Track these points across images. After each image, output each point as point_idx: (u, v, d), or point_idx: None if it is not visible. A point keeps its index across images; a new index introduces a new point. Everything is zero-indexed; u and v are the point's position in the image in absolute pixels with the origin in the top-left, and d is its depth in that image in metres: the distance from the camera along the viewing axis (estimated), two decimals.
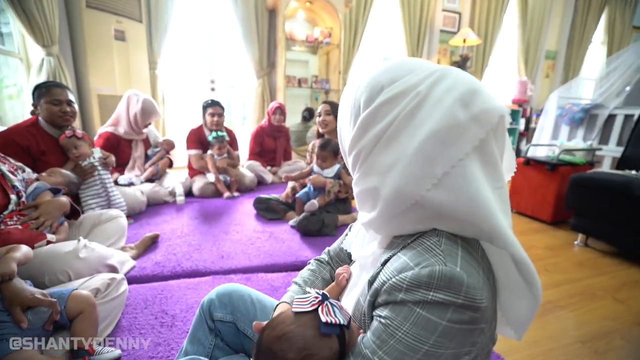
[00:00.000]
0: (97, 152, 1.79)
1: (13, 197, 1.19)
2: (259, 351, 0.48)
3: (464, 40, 4.27)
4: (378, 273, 0.47)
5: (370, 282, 0.48)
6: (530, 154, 2.65)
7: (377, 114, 0.44)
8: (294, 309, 0.48)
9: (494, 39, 4.80)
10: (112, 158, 1.91)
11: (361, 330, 0.50)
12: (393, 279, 0.42)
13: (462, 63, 4.32)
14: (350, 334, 0.48)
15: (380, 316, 0.43)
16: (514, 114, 5.00)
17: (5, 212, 1.14)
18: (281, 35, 3.58)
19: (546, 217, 2.37)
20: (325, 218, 1.90)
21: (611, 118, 2.78)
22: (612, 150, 2.74)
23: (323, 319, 0.45)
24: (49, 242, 1.18)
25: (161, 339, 1.03)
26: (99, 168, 1.78)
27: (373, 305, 0.47)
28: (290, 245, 1.75)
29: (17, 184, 1.24)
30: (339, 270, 0.66)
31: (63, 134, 1.68)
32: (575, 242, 2.06)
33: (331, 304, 0.48)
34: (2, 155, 1.29)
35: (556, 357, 1.09)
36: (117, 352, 0.95)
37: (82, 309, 0.92)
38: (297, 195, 2.10)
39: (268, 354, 0.46)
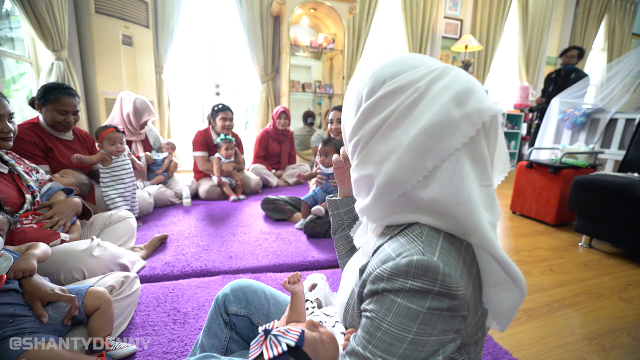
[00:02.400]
0: (127, 151, 1.89)
1: (28, 196, 1.21)
2: None
3: (466, 47, 4.32)
4: (367, 263, 0.50)
5: (361, 271, 0.51)
6: (532, 158, 2.67)
7: (378, 105, 0.46)
8: (249, 358, 0.51)
9: (495, 45, 4.86)
10: (136, 160, 2.01)
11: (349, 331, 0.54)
12: (377, 270, 0.45)
13: (464, 69, 4.36)
14: (310, 343, 0.51)
15: (366, 310, 0.46)
16: (516, 119, 5.03)
17: (21, 212, 1.16)
18: (286, 41, 3.63)
19: (550, 219, 2.39)
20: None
21: (612, 122, 2.81)
22: (614, 153, 2.76)
23: (266, 357, 0.48)
24: (62, 241, 1.20)
25: (174, 336, 1.05)
26: (128, 167, 1.86)
27: (361, 297, 0.49)
28: (297, 246, 1.77)
29: (32, 184, 1.26)
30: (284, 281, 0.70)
31: (104, 130, 1.78)
32: (580, 244, 2.08)
33: (274, 335, 0.51)
34: (18, 156, 1.32)
35: (564, 354, 1.10)
36: (132, 347, 0.96)
37: (98, 305, 0.94)
38: (303, 198, 2.12)
39: None
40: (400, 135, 0.44)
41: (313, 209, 1.97)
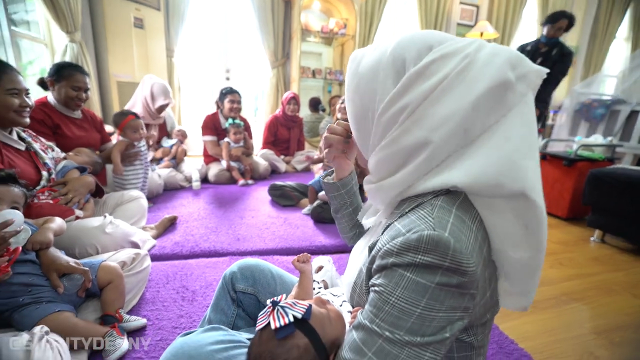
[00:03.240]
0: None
1: (45, 173, 1.24)
2: None
3: (481, 34, 4.19)
4: (377, 240, 0.50)
5: (370, 249, 0.51)
6: (548, 150, 2.61)
7: (426, 71, 0.45)
8: (257, 327, 0.52)
9: (512, 33, 4.70)
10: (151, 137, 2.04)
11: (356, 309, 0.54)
12: (387, 245, 0.45)
13: None
14: (317, 317, 0.51)
15: (374, 285, 0.46)
16: None
17: (38, 188, 1.19)
18: (297, 26, 3.58)
19: (562, 212, 2.35)
20: None
21: (634, 114, 2.71)
22: (633, 147, 2.68)
23: (273, 326, 0.49)
24: (77, 218, 1.23)
25: (183, 312, 1.07)
26: (144, 150, 1.89)
27: (370, 273, 0.49)
28: (304, 230, 1.78)
29: (47, 161, 1.29)
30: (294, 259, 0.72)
31: (127, 116, 1.81)
32: (592, 238, 2.04)
33: (281, 307, 0.51)
34: (34, 134, 1.35)
35: (571, 346, 1.09)
36: (143, 320, 0.99)
37: (110, 279, 0.96)
38: (309, 183, 2.12)
39: None
40: (460, 98, 0.43)
41: (320, 194, 1.97)
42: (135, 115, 1.85)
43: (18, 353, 0.62)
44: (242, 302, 0.80)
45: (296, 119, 3.33)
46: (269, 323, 0.50)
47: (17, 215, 0.78)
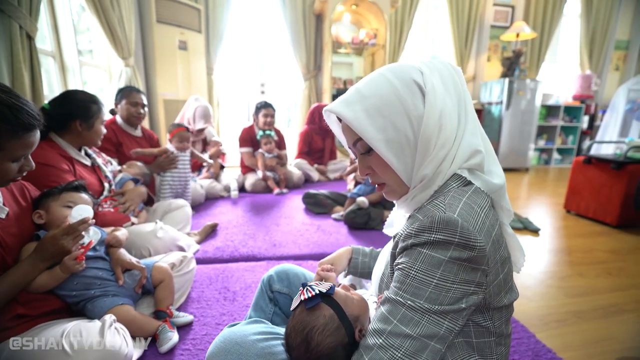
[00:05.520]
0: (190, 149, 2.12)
1: (106, 185, 1.41)
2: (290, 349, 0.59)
3: (517, 35, 4.05)
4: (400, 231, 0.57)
5: (395, 237, 0.58)
6: (593, 153, 2.46)
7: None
8: (291, 309, 0.62)
9: (552, 32, 4.49)
10: (200, 156, 2.25)
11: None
12: (407, 230, 0.52)
13: (514, 59, 4.09)
14: (340, 295, 0.60)
15: (398, 264, 0.52)
16: (575, 111, 4.62)
17: (101, 197, 1.36)
18: (327, 39, 3.69)
19: (611, 219, 2.19)
20: (371, 212, 1.95)
21: None
22: None
23: (302, 298, 0.58)
24: (132, 224, 1.38)
25: (225, 310, 1.17)
26: (187, 162, 2.07)
27: (394, 257, 0.56)
28: (337, 237, 1.83)
29: (108, 174, 1.47)
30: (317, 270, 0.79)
31: (177, 127, 2.02)
32: None
33: (309, 285, 0.60)
34: (97, 150, 1.54)
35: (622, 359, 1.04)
36: (190, 317, 1.09)
37: (162, 278, 1.08)
38: (349, 194, 2.17)
39: (296, 350, 0.57)
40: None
41: (358, 199, 2.02)
42: (187, 129, 2.04)
43: (95, 336, 0.74)
44: (278, 301, 0.87)
45: (329, 129, 3.40)
46: (300, 301, 0.58)
47: (90, 212, 0.92)
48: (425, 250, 0.48)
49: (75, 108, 1.26)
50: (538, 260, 1.72)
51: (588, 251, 1.85)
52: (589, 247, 1.90)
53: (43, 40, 2.03)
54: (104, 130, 1.38)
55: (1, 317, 0.75)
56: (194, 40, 3.42)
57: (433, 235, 0.48)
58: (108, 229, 1.11)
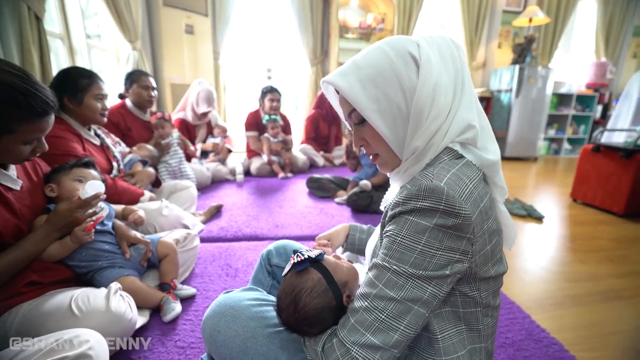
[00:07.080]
0: (175, 133, 2.08)
1: (115, 164, 1.45)
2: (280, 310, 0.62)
3: (530, 20, 3.93)
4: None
5: (385, 207, 0.60)
6: (603, 141, 2.42)
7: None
8: (282, 275, 0.64)
9: (566, 17, 4.34)
10: (187, 142, 2.22)
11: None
12: (395, 199, 0.53)
13: (526, 45, 3.98)
14: (329, 262, 0.63)
15: (386, 232, 0.53)
16: (588, 100, 4.51)
17: (110, 177, 1.40)
18: (334, 23, 3.65)
19: (617, 208, 2.17)
20: (373, 195, 1.97)
21: None
22: None
23: (292, 262, 0.61)
24: (152, 199, 1.46)
25: (227, 285, 1.21)
26: (176, 146, 2.06)
27: (384, 226, 0.57)
28: (340, 220, 1.86)
29: (116, 154, 1.50)
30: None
31: (152, 115, 2.00)
32: None
33: (300, 251, 0.63)
34: (106, 131, 1.57)
35: (613, 341, 1.05)
36: (193, 290, 1.14)
37: (167, 252, 1.12)
38: (352, 179, 2.19)
39: (285, 311, 0.60)
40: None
41: (361, 182, 2.04)
42: (161, 117, 2.00)
43: (101, 301, 0.78)
44: (276, 274, 0.90)
45: (336, 114, 3.40)
46: (291, 267, 0.61)
47: (102, 187, 0.95)
48: (411, 218, 0.49)
49: (62, 84, 1.24)
50: (539, 246, 1.73)
51: (591, 239, 1.85)
52: (593, 235, 1.90)
53: (51, 23, 2.05)
54: (99, 106, 1.33)
55: (16, 283, 0.80)
56: (201, 24, 3.41)
57: (419, 203, 0.48)
58: (118, 207, 1.15)
